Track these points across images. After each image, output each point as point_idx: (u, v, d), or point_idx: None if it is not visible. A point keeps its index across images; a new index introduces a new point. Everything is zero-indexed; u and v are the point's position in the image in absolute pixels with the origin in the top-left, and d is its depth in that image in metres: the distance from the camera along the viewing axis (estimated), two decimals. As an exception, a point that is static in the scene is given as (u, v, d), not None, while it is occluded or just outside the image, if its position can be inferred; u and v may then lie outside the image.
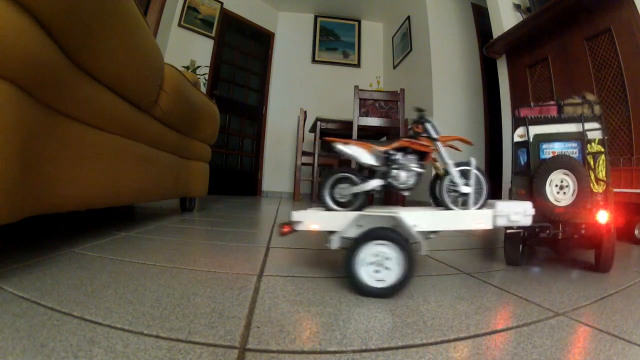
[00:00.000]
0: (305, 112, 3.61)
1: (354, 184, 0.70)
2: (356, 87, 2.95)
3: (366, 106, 2.96)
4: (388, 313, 0.49)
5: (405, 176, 0.71)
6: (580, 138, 0.80)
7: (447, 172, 0.75)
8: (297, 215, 0.66)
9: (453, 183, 0.74)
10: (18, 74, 0.52)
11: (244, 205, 2.54)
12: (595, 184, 0.78)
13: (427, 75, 3.63)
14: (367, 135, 3.77)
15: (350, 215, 0.62)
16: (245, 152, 4.52)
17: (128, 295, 0.49)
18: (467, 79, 3.64)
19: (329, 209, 0.69)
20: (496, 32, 2.68)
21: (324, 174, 0.69)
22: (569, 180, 0.76)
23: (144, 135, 1.13)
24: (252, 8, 4.49)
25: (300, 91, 4.79)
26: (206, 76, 3.84)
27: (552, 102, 0.82)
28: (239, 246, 0.92)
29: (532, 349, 0.39)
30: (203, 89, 3.71)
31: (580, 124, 0.80)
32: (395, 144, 0.71)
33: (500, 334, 0.43)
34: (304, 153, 3.63)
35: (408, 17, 4.11)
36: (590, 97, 0.79)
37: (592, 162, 0.80)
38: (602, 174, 0.77)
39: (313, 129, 3.66)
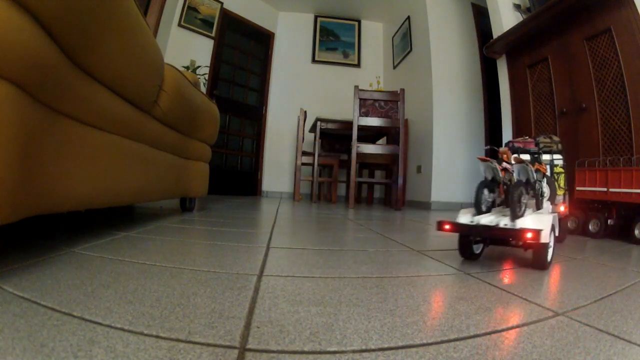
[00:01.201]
0: (305, 112, 3.61)
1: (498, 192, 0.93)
2: (356, 87, 2.95)
3: (366, 106, 2.96)
4: (388, 313, 0.49)
5: (539, 187, 0.98)
6: (550, 164, 1.28)
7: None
8: (536, 221, 0.80)
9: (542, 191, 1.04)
10: (18, 74, 0.52)
11: (244, 205, 2.54)
12: (559, 190, 1.22)
13: (427, 75, 3.63)
14: (367, 136, 3.78)
15: (551, 216, 0.84)
16: (245, 152, 4.52)
17: (128, 295, 0.49)
18: (467, 79, 3.64)
19: (519, 216, 0.85)
20: (496, 32, 2.68)
21: (514, 188, 0.86)
22: (546, 186, 1.14)
23: (144, 135, 1.13)
24: (252, 8, 4.49)
25: (300, 91, 4.80)
26: (206, 76, 3.84)
27: (530, 139, 1.25)
28: (239, 246, 0.92)
29: (532, 349, 0.39)
30: (203, 89, 3.71)
31: (551, 155, 1.26)
32: (535, 167, 1.00)
33: (500, 334, 0.43)
34: (304, 153, 3.63)
35: (408, 17, 4.11)
36: (555, 138, 1.24)
37: (557, 178, 1.27)
38: (562, 184, 1.24)
39: (313, 129, 3.66)
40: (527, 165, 0.89)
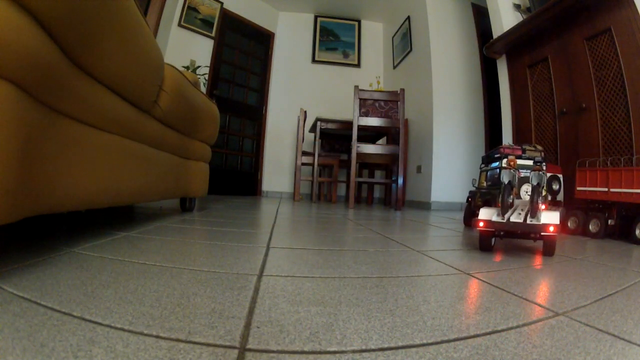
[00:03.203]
0: (305, 112, 3.61)
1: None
2: (356, 87, 2.95)
3: (366, 106, 2.96)
4: (388, 313, 0.49)
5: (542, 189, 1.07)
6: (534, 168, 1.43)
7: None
8: (551, 217, 0.95)
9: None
10: (18, 74, 0.52)
11: (244, 205, 2.54)
12: (543, 191, 1.30)
13: (427, 75, 3.63)
14: (367, 136, 3.78)
15: (559, 211, 0.97)
16: (245, 152, 4.52)
17: (128, 295, 0.49)
18: (467, 79, 3.64)
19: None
20: (496, 32, 2.68)
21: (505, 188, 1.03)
22: (530, 189, 1.17)
23: (144, 135, 1.13)
24: (252, 8, 4.49)
25: (300, 91, 4.79)
26: (206, 76, 3.84)
27: (518, 147, 1.36)
28: (239, 246, 0.92)
29: (532, 348, 0.39)
30: (203, 89, 3.71)
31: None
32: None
33: (500, 333, 0.43)
34: (304, 153, 3.63)
35: (408, 17, 4.11)
36: (539, 147, 1.36)
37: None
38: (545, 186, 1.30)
39: (313, 129, 3.66)
40: (543, 173, 1.04)
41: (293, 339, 0.39)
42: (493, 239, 1.05)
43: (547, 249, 1.00)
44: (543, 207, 1.26)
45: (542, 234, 0.95)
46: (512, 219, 0.97)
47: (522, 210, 1.03)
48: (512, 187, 1.05)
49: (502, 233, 1.02)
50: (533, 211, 0.97)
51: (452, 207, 3.37)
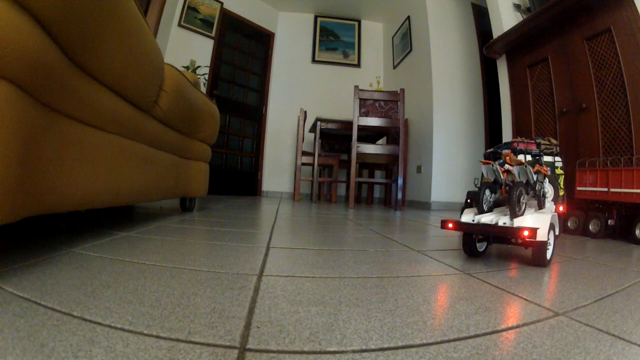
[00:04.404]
0: (305, 112, 3.61)
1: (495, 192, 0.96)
2: (356, 87, 2.95)
3: (366, 106, 2.96)
4: (388, 313, 0.49)
5: (539, 188, 1.00)
6: (552, 165, 1.41)
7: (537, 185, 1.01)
8: (534, 220, 0.84)
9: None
10: (18, 74, 0.52)
11: (244, 205, 2.54)
12: (560, 190, 1.29)
13: (427, 75, 3.62)
14: (367, 136, 3.78)
15: (550, 215, 0.88)
16: (245, 152, 4.51)
17: (128, 295, 0.49)
18: (467, 79, 3.64)
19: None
20: (496, 32, 2.68)
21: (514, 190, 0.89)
22: (549, 186, 1.18)
23: (144, 135, 1.13)
24: (252, 8, 4.49)
25: (300, 91, 4.79)
26: (206, 76, 3.84)
27: (531, 141, 1.30)
28: (239, 246, 0.92)
29: (532, 349, 0.39)
30: (203, 89, 3.71)
31: (553, 157, 1.34)
32: (536, 169, 1.00)
33: (500, 334, 0.43)
34: (304, 153, 3.63)
35: (408, 17, 4.11)
36: (553, 140, 1.33)
37: (557, 179, 1.35)
38: (561, 185, 1.31)
39: (313, 129, 3.66)
40: (526, 167, 0.93)
41: (293, 339, 0.39)
42: (484, 244, 0.97)
43: (534, 257, 0.86)
44: (562, 208, 1.19)
45: (527, 239, 0.81)
46: (483, 220, 0.87)
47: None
48: (501, 185, 0.94)
49: (480, 237, 0.94)
50: (512, 212, 0.85)
51: (452, 207, 3.37)
